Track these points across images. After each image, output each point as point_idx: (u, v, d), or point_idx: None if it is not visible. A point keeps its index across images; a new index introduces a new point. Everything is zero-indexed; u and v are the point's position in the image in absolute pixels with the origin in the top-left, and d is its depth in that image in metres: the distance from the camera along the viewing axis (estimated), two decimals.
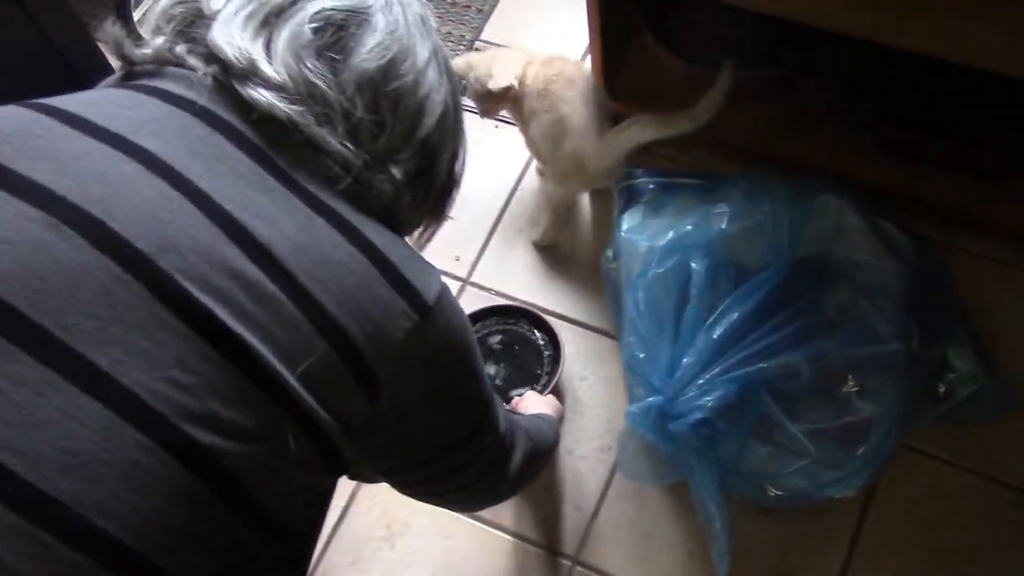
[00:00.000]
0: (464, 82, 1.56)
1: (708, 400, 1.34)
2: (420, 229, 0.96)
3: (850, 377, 1.41)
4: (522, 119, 1.61)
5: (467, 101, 1.42)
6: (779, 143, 1.69)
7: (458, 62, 1.57)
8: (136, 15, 1.97)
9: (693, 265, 1.41)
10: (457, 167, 0.95)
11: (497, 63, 1.56)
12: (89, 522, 0.61)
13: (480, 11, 2.03)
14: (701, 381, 1.35)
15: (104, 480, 0.62)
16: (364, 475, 1.00)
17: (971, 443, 1.52)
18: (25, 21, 1.50)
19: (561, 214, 1.71)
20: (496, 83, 1.53)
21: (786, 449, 1.39)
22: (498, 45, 1.99)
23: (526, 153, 1.85)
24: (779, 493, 1.41)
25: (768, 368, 1.36)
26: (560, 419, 1.47)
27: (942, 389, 1.48)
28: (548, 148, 1.58)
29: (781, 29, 1.47)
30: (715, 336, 1.37)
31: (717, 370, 1.36)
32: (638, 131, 1.48)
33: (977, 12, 1.25)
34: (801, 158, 1.67)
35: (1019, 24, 1.23)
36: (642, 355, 1.42)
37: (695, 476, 1.38)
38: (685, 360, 1.37)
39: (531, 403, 1.46)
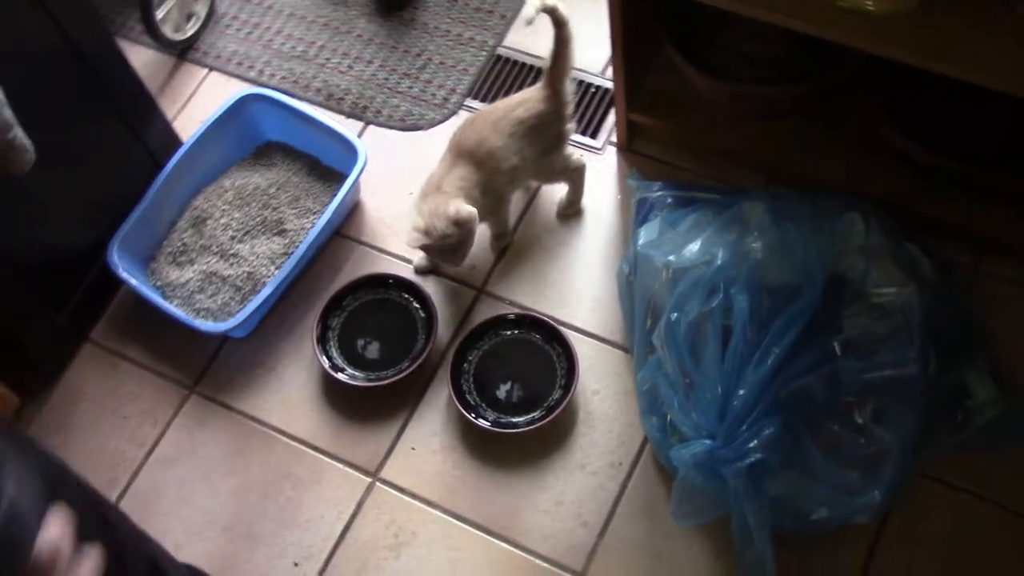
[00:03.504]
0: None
1: (759, 441, 1.32)
2: None
3: (866, 401, 1.39)
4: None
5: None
6: (801, 160, 1.67)
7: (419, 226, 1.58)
8: (159, 14, 1.97)
9: (735, 301, 1.38)
10: None
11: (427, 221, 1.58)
12: None
13: (503, 17, 2.01)
14: (750, 420, 1.33)
15: None
16: None
17: (988, 472, 1.49)
18: (47, 23, 1.50)
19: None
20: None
21: (808, 476, 1.36)
22: (522, 52, 1.97)
23: None
24: (798, 521, 1.39)
25: (793, 391, 1.33)
26: None
27: (960, 416, 1.45)
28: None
29: (808, 46, 1.45)
30: (761, 373, 1.35)
31: (762, 406, 1.33)
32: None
33: (1005, 36, 1.23)
34: (823, 176, 1.65)
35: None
36: (687, 396, 1.40)
37: (745, 514, 1.35)
38: (735, 402, 1.35)
39: None
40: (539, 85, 1.65)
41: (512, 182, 1.66)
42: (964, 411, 1.45)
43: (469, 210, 1.55)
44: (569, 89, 1.65)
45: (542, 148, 1.64)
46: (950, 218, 1.60)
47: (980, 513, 1.47)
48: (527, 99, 1.64)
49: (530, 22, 1.53)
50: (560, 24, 1.56)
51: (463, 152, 1.61)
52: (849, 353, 1.40)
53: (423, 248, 1.59)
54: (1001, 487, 1.48)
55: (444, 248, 1.58)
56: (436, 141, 1.89)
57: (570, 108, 1.66)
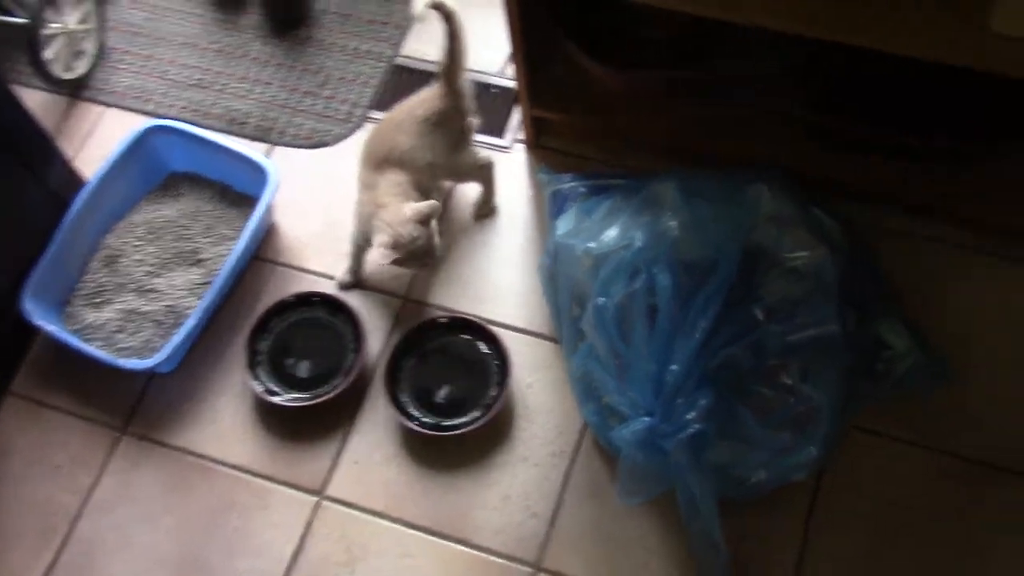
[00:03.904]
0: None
1: (695, 412, 1.35)
2: None
3: (791, 363, 1.44)
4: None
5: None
6: (705, 139, 1.72)
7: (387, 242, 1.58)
8: (47, 54, 1.93)
9: (658, 280, 1.41)
10: None
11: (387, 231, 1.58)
12: None
13: (398, 27, 2.03)
14: (685, 393, 1.37)
15: None
16: None
17: (911, 418, 1.56)
18: None
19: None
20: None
21: (743, 442, 1.40)
22: (420, 60, 1.99)
23: None
24: (739, 486, 1.43)
25: (721, 362, 1.38)
26: None
27: (880, 367, 1.51)
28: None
29: (704, 27, 1.49)
30: (690, 347, 1.38)
31: (694, 378, 1.37)
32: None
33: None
34: (728, 151, 1.70)
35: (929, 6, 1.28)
36: (621, 377, 1.42)
37: (689, 486, 1.38)
38: (668, 377, 1.38)
39: None
40: (436, 84, 1.67)
41: (434, 177, 1.68)
42: (883, 362, 1.51)
43: (427, 203, 1.56)
44: (466, 83, 1.67)
45: (449, 144, 1.66)
46: (850, 180, 1.66)
47: (908, 456, 1.54)
48: (425, 98, 1.66)
49: (421, 20, 1.57)
50: (448, 17, 1.59)
51: (380, 161, 1.62)
52: (770, 319, 1.45)
53: (397, 262, 1.58)
54: (924, 430, 1.55)
55: (416, 251, 1.57)
56: (344, 156, 1.90)
57: (469, 102, 1.69)
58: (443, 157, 1.66)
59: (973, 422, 1.55)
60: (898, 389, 1.53)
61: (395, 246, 1.55)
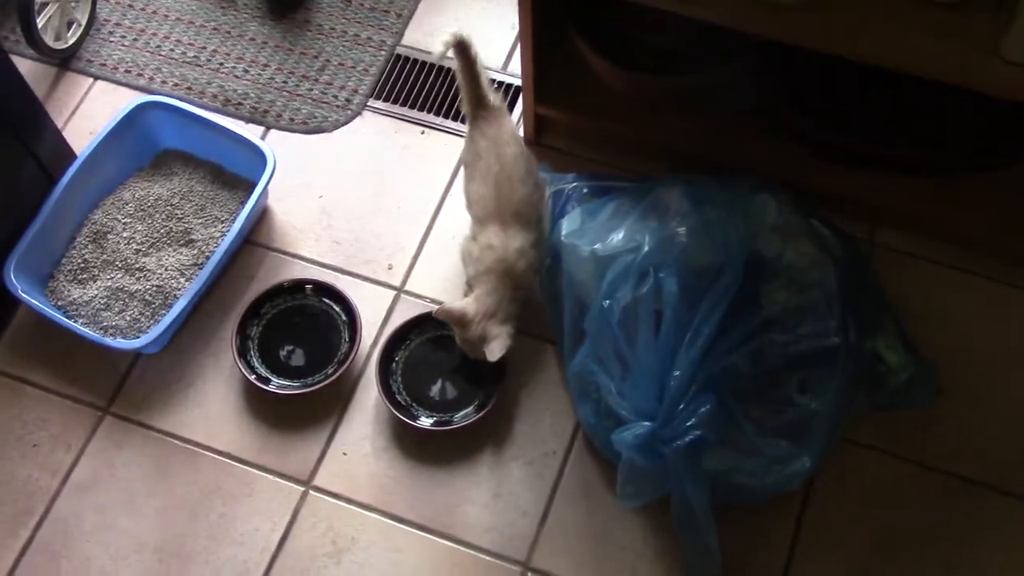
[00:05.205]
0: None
1: (696, 419, 1.35)
2: None
3: (791, 373, 1.45)
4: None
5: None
6: (707, 147, 1.73)
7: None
8: (39, 22, 1.88)
9: (665, 285, 1.41)
10: None
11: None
12: None
13: (399, 16, 2.01)
14: (687, 399, 1.37)
15: None
16: None
17: (902, 432, 1.58)
18: None
19: None
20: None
21: (740, 449, 1.41)
22: (421, 51, 1.97)
23: (455, 157, 1.84)
24: (734, 493, 1.44)
25: (722, 368, 1.38)
26: None
27: (874, 381, 1.53)
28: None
29: (711, 36, 1.50)
30: (693, 354, 1.38)
31: (697, 385, 1.37)
32: None
33: (888, 15, 1.31)
34: (728, 160, 1.71)
35: (926, 23, 1.30)
36: (623, 380, 1.42)
37: (686, 491, 1.38)
38: (672, 383, 1.38)
39: None
40: (478, 118, 1.60)
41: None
42: (879, 376, 1.52)
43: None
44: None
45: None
46: (847, 194, 1.68)
47: (898, 470, 1.56)
48: (500, 141, 1.59)
49: (442, 57, 1.54)
50: (465, 49, 1.55)
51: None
52: (771, 328, 1.46)
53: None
54: (915, 445, 1.57)
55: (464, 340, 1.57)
56: (341, 143, 1.88)
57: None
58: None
59: (963, 440, 1.57)
60: (891, 403, 1.55)
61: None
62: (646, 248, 1.45)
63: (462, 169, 1.69)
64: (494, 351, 1.50)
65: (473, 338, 1.53)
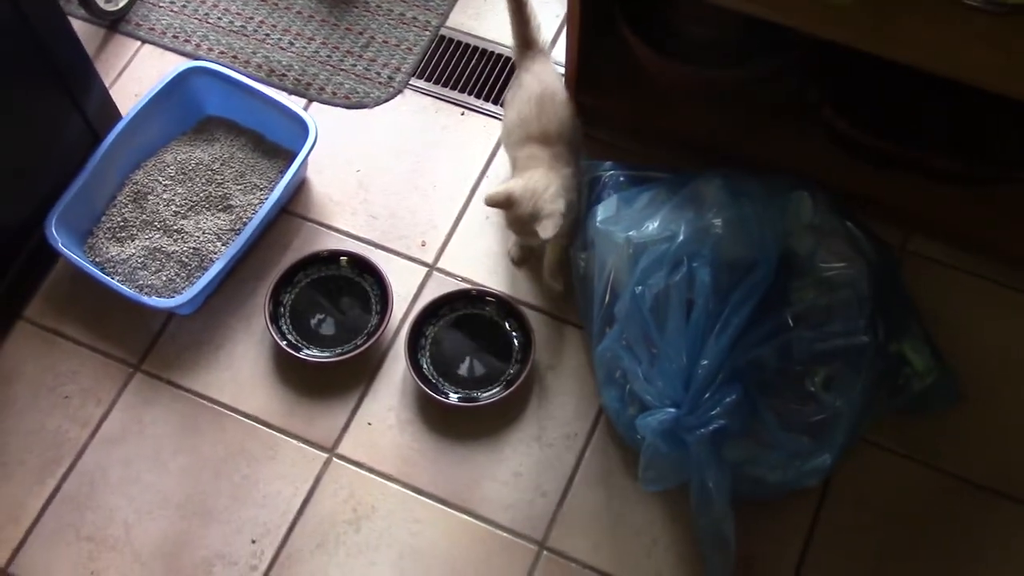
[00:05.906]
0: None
1: (721, 408, 1.37)
2: None
3: (817, 369, 1.46)
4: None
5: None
6: (744, 142, 1.74)
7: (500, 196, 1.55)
8: None
9: (698, 275, 1.43)
10: None
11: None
12: None
13: None
14: (713, 388, 1.38)
15: None
16: None
17: (920, 436, 1.59)
18: None
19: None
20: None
21: (762, 442, 1.42)
22: (466, 33, 1.99)
23: (493, 139, 1.86)
24: (753, 485, 1.45)
25: (749, 360, 1.40)
26: None
27: (898, 383, 1.54)
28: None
29: (753, 30, 1.51)
30: (722, 344, 1.40)
31: (724, 375, 1.39)
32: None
33: (943, 21, 1.32)
34: (764, 157, 1.72)
35: (979, 31, 1.31)
36: (651, 366, 1.44)
37: (706, 479, 1.40)
38: (699, 371, 1.39)
39: None
40: (525, 57, 1.69)
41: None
42: (903, 378, 1.53)
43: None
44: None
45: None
46: (884, 199, 1.69)
47: (915, 473, 1.57)
48: (544, 72, 1.67)
49: None
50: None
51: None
52: (800, 325, 1.47)
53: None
54: (933, 449, 1.58)
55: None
56: (381, 119, 1.90)
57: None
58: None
59: (982, 447, 1.58)
60: (912, 406, 1.56)
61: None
62: (681, 237, 1.47)
63: (500, 148, 1.71)
64: (547, 228, 1.49)
65: (524, 215, 1.52)
